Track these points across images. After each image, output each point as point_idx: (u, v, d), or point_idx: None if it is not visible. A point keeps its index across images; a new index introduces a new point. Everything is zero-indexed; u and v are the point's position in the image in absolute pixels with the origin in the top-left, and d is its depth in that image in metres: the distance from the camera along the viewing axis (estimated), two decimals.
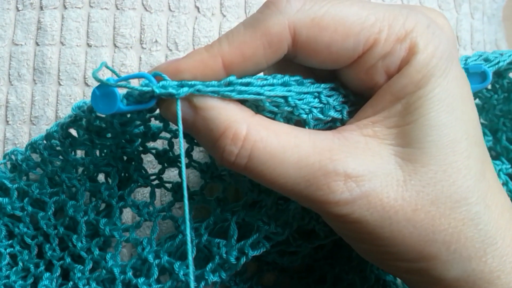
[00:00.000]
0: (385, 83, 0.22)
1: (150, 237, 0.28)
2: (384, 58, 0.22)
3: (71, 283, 0.28)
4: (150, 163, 0.31)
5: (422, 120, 0.21)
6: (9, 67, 0.32)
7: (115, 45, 0.32)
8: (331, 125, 0.24)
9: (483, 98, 0.32)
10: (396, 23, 0.22)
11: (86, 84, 0.32)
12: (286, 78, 0.22)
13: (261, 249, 0.26)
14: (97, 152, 0.28)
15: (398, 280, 0.33)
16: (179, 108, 0.21)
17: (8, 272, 0.29)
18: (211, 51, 0.21)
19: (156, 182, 0.29)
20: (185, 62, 0.21)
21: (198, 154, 0.31)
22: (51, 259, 0.29)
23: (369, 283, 0.31)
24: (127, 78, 0.22)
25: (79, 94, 0.32)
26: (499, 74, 0.30)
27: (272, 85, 0.22)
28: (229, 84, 0.21)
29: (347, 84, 0.24)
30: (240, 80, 0.21)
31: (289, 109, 0.23)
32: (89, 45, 0.32)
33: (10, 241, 0.30)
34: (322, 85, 0.23)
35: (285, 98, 0.22)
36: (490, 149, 0.32)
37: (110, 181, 0.29)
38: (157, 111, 0.25)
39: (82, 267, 0.28)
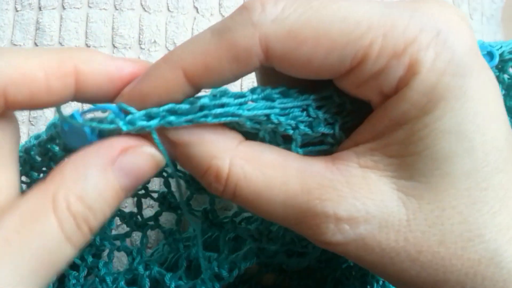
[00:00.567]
0: (383, 102, 0.19)
1: (140, 248, 0.27)
2: (376, 76, 0.18)
3: None
4: None
5: (428, 152, 0.18)
6: None
7: (113, 46, 0.32)
8: (322, 138, 0.21)
9: None
10: (394, 31, 0.18)
11: None
12: (268, 91, 0.20)
13: (254, 260, 0.25)
14: None
15: None
16: (158, 140, 0.19)
17: None
18: (170, 63, 0.19)
19: (142, 191, 0.28)
20: (146, 84, 0.19)
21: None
22: None
23: None
24: (92, 110, 0.20)
25: None
26: (500, 69, 0.30)
27: (253, 101, 0.20)
28: (202, 108, 0.19)
29: (343, 90, 0.21)
30: (214, 102, 0.19)
31: (273, 126, 0.20)
32: (87, 46, 0.32)
33: None
34: (312, 96, 0.20)
35: (267, 115, 0.20)
36: None
37: None
38: None
39: (77, 273, 0.28)
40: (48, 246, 0.18)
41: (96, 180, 0.18)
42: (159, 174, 0.27)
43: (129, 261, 0.27)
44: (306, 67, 0.19)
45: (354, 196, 0.19)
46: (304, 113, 0.20)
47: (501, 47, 0.25)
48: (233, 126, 0.20)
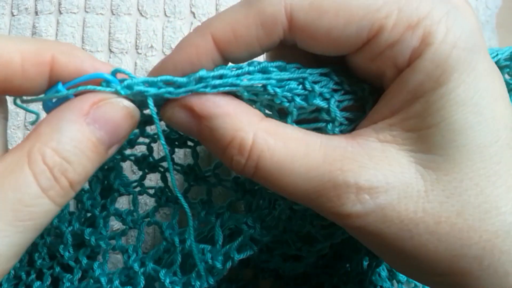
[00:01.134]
0: (396, 76, 0.20)
1: (136, 245, 0.27)
2: (391, 47, 0.19)
3: None
4: (133, 170, 0.31)
5: (445, 124, 0.19)
6: None
7: (110, 50, 0.32)
8: (316, 115, 0.22)
9: None
10: (408, 7, 0.19)
11: None
12: (264, 64, 0.20)
13: (248, 252, 0.25)
14: None
15: None
16: (153, 107, 0.20)
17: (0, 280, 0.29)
18: (200, 29, 0.20)
19: (138, 189, 0.28)
20: (177, 51, 0.20)
21: (180, 156, 0.31)
22: (41, 267, 0.29)
23: None
24: (78, 82, 0.20)
25: None
26: None
27: (249, 73, 0.20)
28: (200, 79, 0.20)
29: (355, 71, 0.22)
30: (212, 74, 0.20)
31: (269, 97, 0.21)
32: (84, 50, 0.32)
33: None
34: (309, 70, 0.21)
35: (263, 86, 0.20)
36: None
37: (92, 189, 0.28)
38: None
39: (71, 276, 0.28)
40: (24, 199, 0.18)
41: (71, 132, 0.19)
42: (156, 169, 0.27)
43: (125, 260, 0.27)
44: (325, 38, 0.20)
45: (374, 167, 0.20)
46: (300, 86, 0.21)
47: (497, 54, 0.26)
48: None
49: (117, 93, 0.19)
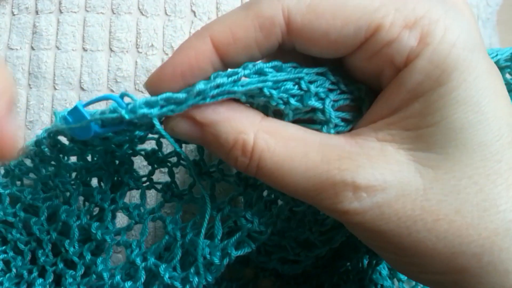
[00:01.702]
0: (394, 75, 0.20)
1: (139, 240, 0.27)
2: (389, 46, 0.19)
3: None
4: (144, 166, 0.31)
5: (445, 122, 0.19)
6: None
7: (111, 49, 0.32)
8: (311, 115, 0.22)
9: None
10: (405, 7, 0.19)
11: (82, 89, 0.32)
12: (260, 65, 0.20)
13: (245, 249, 0.25)
14: (89, 157, 0.28)
15: None
16: (159, 126, 0.21)
17: (1, 278, 0.29)
18: (199, 32, 0.20)
19: (147, 183, 0.29)
20: (176, 55, 0.21)
21: (185, 151, 0.31)
22: (44, 264, 0.29)
23: None
24: (93, 102, 0.21)
25: (74, 99, 0.32)
26: None
27: (245, 77, 0.20)
28: (199, 93, 0.20)
29: (352, 72, 0.22)
30: (209, 85, 0.20)
31: (265, 99, 0.21)
32: (84, 50, 0.32)
33: (4, 247, 0.30)
34: (305, 70, 0.21)
35: (260, 88, 0.20)
36: None
37: (103, 185, 0.28)
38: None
39: (74, 272, 0.28)
40: None
41: None
42: (164, 164, 0.28)
43: (127, 255, 0.27)
44: (323, 39, 0.20)
45: (372, 166, 0.20)
46: (296, 86, 0.21)
47: (497, 55, 0.26)
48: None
49: (121, 118, 0.20)
